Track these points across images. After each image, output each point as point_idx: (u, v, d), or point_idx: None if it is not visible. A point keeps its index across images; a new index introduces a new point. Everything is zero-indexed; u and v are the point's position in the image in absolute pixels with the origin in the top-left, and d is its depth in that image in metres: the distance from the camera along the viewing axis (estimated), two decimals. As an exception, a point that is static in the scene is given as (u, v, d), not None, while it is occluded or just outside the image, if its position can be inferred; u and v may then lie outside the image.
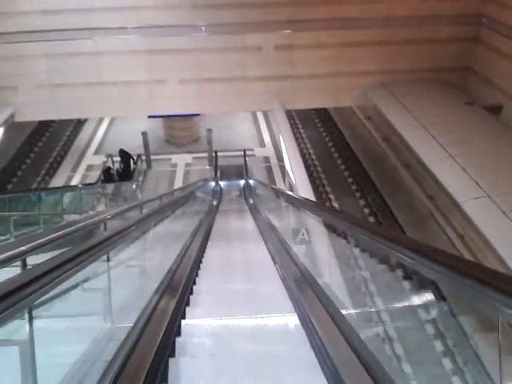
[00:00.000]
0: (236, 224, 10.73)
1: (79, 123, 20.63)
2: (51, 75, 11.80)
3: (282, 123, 11.41)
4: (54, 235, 2.91)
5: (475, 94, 12.22)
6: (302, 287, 4.26)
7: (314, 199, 9.08)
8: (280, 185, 16.15)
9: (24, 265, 2.28)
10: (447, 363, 9.91)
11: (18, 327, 1.82)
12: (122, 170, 15.36)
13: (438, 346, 9.66)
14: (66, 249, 2.52)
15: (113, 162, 16.87)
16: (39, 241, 2.65)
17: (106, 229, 4.18)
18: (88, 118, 18.17)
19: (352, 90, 12.28)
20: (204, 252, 6.70)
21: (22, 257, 2.27)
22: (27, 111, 12.24)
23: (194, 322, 3.57)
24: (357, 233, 2.91)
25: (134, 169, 15.52)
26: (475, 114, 10.88)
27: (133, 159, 15.68)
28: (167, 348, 2.99)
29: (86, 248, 2.58)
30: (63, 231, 3.09)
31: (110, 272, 3.29)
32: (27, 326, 1.89)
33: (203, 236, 8.03)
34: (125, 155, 15.68)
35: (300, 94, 12.30)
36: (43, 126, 19.87)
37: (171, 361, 2.79)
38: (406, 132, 10.26)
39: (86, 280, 3.22)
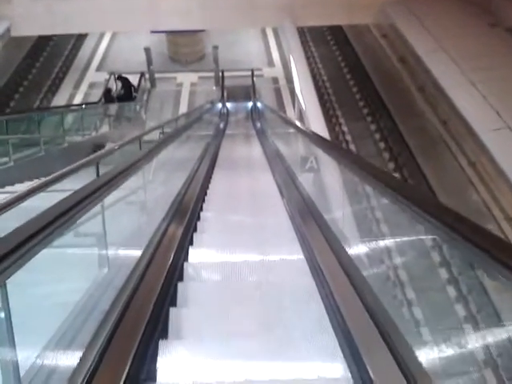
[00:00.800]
0: (243, 151, 10.38)
1: (80, 37, 19.65)
2: (46, -15, 10.96)
3: (293, 42, 10.66)
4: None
5: (499, 15, 11.26)
6: (309, 223, 4.05)
7: (324, 127, 8.68)
8: (289, 108, 15.57)
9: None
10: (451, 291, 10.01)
11: None
12: (123, 96, 14.76)
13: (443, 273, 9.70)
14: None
15: (115, 80, 16.22)
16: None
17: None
18: (86, 32, 17.18)
19: (369, 7, 11.36)
20: (209, 184, 6.45)
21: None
22: (23, 25, 11.53)
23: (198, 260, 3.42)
24: (368, 180, 2.62)
25: (135, 96, 14.86)
26: (498, 37, 10.08)
27: (133, 87, 14.95)
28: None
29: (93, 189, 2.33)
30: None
31: (104, 214, 3.02)
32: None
33: (208, 166, 7.73)
34: (124, 81, 14.98)
35: (313, 9, 11.39)
36: (43, 41, 18.96)
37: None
38: (425, 54, 9.57)
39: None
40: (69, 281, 2.58)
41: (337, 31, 19.75)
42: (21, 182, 7.26)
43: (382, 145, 15.15)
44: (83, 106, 12.82)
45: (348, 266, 2.81)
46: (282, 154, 8.18)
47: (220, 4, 11.43)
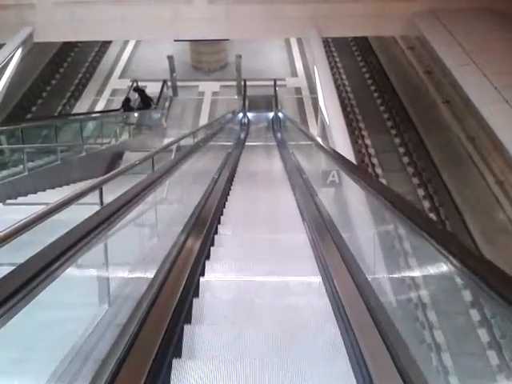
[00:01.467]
0: (263, 164, 10.07)
1: (104, 44, 19.69)
2: (70, -9, 10.87)
3: (317, 53, 10.32)
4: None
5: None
6: (329, 246, 3.87)
7: (347, 140, 8.31)
8: (311, 119, 15.24)
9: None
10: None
11: None
12: (141, 107, 14.66)
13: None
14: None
15: (137, 85, 16.13)
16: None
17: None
18: (109, 40, 17.16)
19: (397, 18, 10.95)
20: (226, 201, 6.14)
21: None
22: (46, 31, 11.42)
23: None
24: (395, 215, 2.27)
25: (155, 107, 14.78)
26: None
27: (149, 98, 14.85)
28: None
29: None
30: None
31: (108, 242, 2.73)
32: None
33: (226, 181, 7.44)
34: (141, 93, 14.89)
35: (339, 19, 11.05)
36: (68, 47, 19.06)
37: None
38: (455, 67, 9.13)
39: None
40: (63, 322, 2.32)
41: (362, 42, 19.39)
42: (34, 192, 7.08)
43: (406, 159, 14.68)
44: (98, 113, 12.69)
45: (369, 298, 2.69)
46: (302, 167, 7.86)
47: (244, 13, 11.18)
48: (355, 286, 2.92)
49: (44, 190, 7.41)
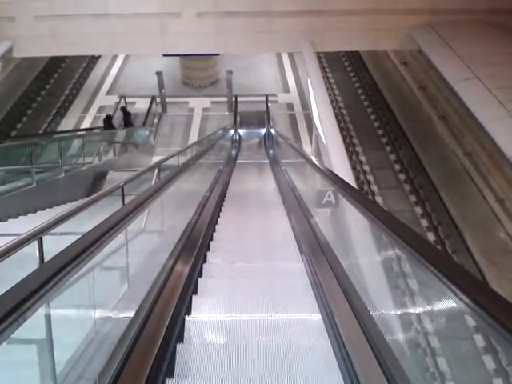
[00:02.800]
0: (255, 184, 9.39)
1: (92, 60, 19.07)
2: (51, 4, 10.19)
3: (311, 68, 9.72)
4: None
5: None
6: (327, 276, 3.60)
7: (345, 156, 7.65)
8: (304, 135, 14.63)
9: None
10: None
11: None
12: (125, 125, 14.04)
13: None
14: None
15: (126, 103, 15.50)
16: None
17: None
18: (93, 54, 16.51)
19: (394, 32, 10.40)
20: (214, 232, 5.44)
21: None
22: (27, 46, 10.72)
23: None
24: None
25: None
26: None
27: (131, 123, 14.27)
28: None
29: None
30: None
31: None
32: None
33: (215, 205, 6.73)
34: (127, 115, 14.29)
35: (334, 33, 10.47)
36: (55, 63, 18.42)
37: None
38: (458, 83, 8.56)
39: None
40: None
41: (354, 57, 18.94)
42: (5, 219, 6.33)
43: (402, 176, 14.10)
44: (77, 132, 11.98)
45: (371, 333, 2.49)
46: (297, 187, 7.25)
47: (234, 27, 10.58)
48: (358, 324, 2.67)
49: (16, 217, 6.66)
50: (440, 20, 10.35)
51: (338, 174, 4.25)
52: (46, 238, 2.22)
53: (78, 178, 9.15)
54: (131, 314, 2.86)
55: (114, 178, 9.77)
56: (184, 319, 2.97)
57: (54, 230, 2.34)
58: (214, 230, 5.55)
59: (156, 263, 3.78)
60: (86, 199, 3.14)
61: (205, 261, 4.32)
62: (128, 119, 14.15)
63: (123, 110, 14.35)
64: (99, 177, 9.97)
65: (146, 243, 4.11)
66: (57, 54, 12.24)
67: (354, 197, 3.09)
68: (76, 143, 9.34)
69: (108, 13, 10.16)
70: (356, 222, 3.21)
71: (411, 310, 2.62)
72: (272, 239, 5.29)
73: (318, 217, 5.02)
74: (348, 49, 13.89)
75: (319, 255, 4.14)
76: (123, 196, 3.36)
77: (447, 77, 8.83)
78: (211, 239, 5.15)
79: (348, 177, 6.79)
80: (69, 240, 2.00)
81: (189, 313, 3.11)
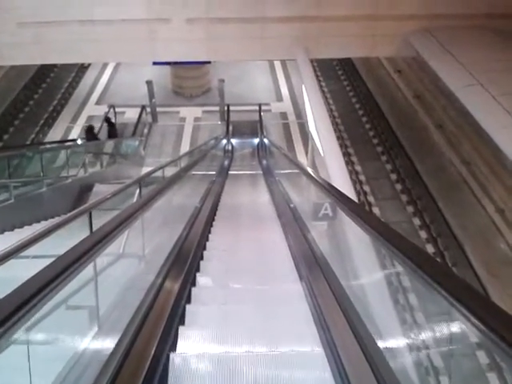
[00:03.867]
0: (248, 197, 8.86)
1: (82, 69, 18.53)
2: (35, 11, 9.66)
3: (306, 75, 9.24)
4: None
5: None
6: (327, 298, 3.28)
7: (345, 172, 7.13)
8: (299, 146, 14.16)
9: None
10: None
11: None
12: (109, 135, 13.46)
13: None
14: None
15: (115, 113, 14.96)
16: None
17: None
18: (79, 62, 15.91)
19: (391, 38, 9.96)
20: (204, 250, 4.93)
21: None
22: (10, 53, 10.17)
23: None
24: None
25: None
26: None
27: (115, 133, 13.69)
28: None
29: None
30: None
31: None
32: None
33: (206, 220, 6.19)
34: (111, 125, 13.70)
35: (328, 39, 10.01)
36: (44, 71, 17.86)
37: None
38: (460, 90, 8.11)
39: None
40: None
41: (347, 66, 18.56)
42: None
43: (399, 186, 13.64)
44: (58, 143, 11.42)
45: (376, 363, 2.28)
46: (292, 200, 6.77)
47: (226, 34, 10.09)
48: (364, 357, 2.40)
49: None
50: (437, 25, 9.93)
51: (336, 186, 3.88)
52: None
53: (62, 192, 8.58)
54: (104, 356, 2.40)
55: (101, 190, 9.25)
56: (168, 356, 2.58)
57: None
58: (205, 248, 5.05)
59: (138, 290, 3.27)
60: (50, 223, 2.62)
61: (194, 284, 3.91)
62: (112, 130, 13.54)
63: (107, 120, 13.73)
64: (85, 190, 9.41)
65: (126, 270, 3.59)
66: (41, 62, 11.68)
67: (353, 210, 2.86)
68: (59, 155, 8.76)
69: (94, 19, 9.63)
70: (355, 236, 2.96)
71: (416, 333, 2.35)
72: (267, 258, 4.81)
73: (315, 231, 4.70)
74: (343, 55, 13.45)
75: (318, 276, 3.77)
76: (91, 224, 2.81)
77: (448, 83, 8.38)
78: (201, 258, 4.67)
79: (348, 189, 6.27)
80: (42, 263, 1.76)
81: (174, 349, 2.71)
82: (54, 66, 18.44)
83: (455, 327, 1.52)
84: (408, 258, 1.80)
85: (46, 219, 7.39)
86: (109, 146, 11.79)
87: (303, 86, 9.36)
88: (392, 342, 2.43)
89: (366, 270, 3.07)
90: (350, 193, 6.36)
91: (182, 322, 3.05)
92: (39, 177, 7.74)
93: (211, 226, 6.16)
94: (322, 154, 6.80)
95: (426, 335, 2.17)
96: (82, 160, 9.22)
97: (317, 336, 2.87)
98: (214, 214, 6.79)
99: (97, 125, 14.00)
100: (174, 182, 5.07)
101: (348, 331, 2.73)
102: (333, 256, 3.91)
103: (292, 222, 5.92)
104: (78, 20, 9.65)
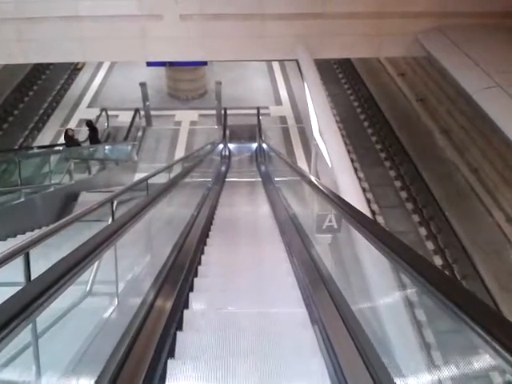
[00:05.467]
0: (246, 206, 8.02)
1: (75, 70, 17.69)
2: (17, 5, 8.81)
3: (309, 76, 8.41)
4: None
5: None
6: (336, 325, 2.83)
7: (355, 179, 6.28)
8: (299, 151, 13.33)
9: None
10: None
11: None
12: (91, 141, 12.57)
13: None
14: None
15: (107, 117, 14.12)
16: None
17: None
18: (64, 61, 14.97)
19: (400, 37, 9.15)
20: (199, 265, 4.18)
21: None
22: (-11, 52, 9.33)
23: None
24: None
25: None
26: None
27: (97, 139, 12.81)
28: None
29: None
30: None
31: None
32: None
33: (200, 233, 5.37)
34: (93, 130, 12.79)
35: (332, 39, 9.20)
36: (35, 74, 17.01)
37: None
38: (477, 92, 7.30)
39: None
40: None
41: (348, 69, 17.78)
42: None
43: (403, 194, 12.82)
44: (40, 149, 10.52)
45: None
46: (294, 209, 5.97)
47: (222, 32, 9.27)
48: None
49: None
50: (449, 24, 9.13)
51: (347, 198, 3.22)
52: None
53: (44, 202, 7.71)
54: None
55: (87, 199, 8.41)
56: None
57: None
58: (196, 275, 4.24)
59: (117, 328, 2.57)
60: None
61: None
62: (95, 135, 12.65)
63: (89, 124, 12.81)
64: (70, 199, 8.55)
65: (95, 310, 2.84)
66: (23, 61, 10.80)
67: (361, 222, 2.50)
68: (39, 161, 7.89)
69: (80, 15, 8.78)
70: (367, 251, 2.52)
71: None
72: (268, 282, 4.06)
73: (321, 246, 4.28)
74: (348, 56, 12.64)
75: (326, 300, 3.26)
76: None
77: (464, 85, 7.56)
78: (191, 290, 3.87)
79: (359, 202, 5.44)
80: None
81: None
82: (47, 67, 17.62)
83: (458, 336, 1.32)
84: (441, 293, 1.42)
85: (23, 233, 6.55)
86: (99, 151, 10.91)
87: (306, 89, 8.53)
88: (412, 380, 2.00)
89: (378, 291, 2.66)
90: (363, 206, 5.53)
91: (171, 353, 2.65)
92: (16, 186, 6.86)
93: (205, 244, 5.32)
94: (330, 165, 5.96)
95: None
96: (65, 167, 8.34)
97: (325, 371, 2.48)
98: (209, 230, 5.94)
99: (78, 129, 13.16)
100: (162, 195, 4.23)
101: (361, 367, 2.31)
102: (341, 275, 3.48)
103: (296, 240, 5.11)
104: (62, 16, 8.80)
